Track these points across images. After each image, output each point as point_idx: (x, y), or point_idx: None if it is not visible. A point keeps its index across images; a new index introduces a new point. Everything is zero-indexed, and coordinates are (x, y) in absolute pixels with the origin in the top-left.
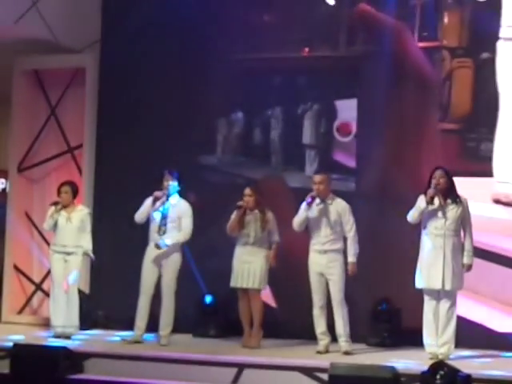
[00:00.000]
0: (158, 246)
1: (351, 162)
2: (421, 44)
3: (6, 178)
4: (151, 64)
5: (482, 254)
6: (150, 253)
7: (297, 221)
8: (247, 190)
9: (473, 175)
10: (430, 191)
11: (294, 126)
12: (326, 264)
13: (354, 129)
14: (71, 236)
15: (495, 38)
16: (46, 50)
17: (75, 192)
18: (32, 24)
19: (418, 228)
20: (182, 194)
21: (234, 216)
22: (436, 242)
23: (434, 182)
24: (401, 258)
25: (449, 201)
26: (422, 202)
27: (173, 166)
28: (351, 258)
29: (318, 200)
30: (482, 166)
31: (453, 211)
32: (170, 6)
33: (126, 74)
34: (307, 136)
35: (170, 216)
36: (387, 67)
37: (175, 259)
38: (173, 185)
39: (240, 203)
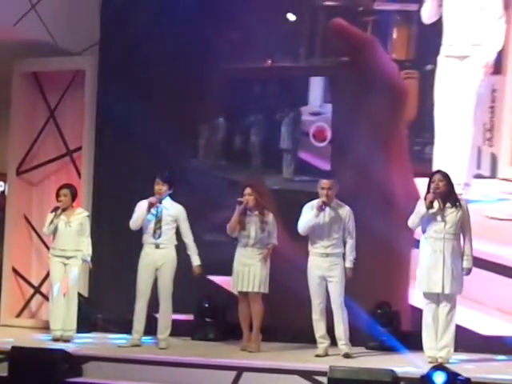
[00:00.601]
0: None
1: (326, 165)
2: None
3: (4, 180)
4: (150, 67)
5: None
6: (146, 256)
7: (305, 226)
8: (247, 189)
9: (419, 176)
10: (429, 196)
11: (272, 131)
12: (328, 267)
13: (329, 134)
14: (70, 240)
15: (438, 52)
16: (45, 52)
17: (74, 195)
18: (31, 26)
19: (389, 225)
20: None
21: (234, 215)
22: (435, 245)
23: (433, 185)
24: (373, 257)
25: (448, 204)
26: (421, 207)
27: (165, 169)
28: (349, 264)
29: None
30: (426, 168)
31: (452, 215)
32: (168, 9)
33: (125, 76)
34: (284, 141)
35: (165, 219)
36: (360, 76)
37: (171, 262)
38: (164, 188)
39: (240, 199)
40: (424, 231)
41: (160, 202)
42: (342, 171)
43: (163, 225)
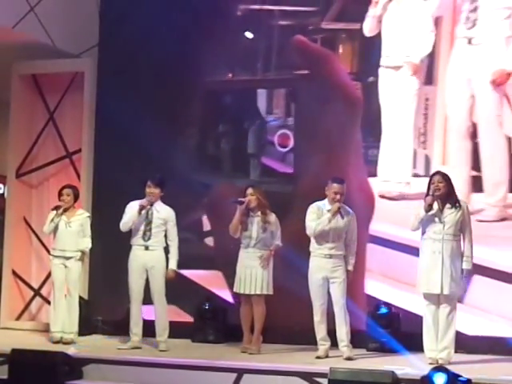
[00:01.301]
0: (172, 273)
1: (289, 169)
2: None
3: (4, 183)
4: (148, 69)
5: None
6: (135, 258)
7: (318, 229)
8: (249, 190)
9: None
10: (428, 199)
11: (241, 138)
12: (331, 268)
13: (291, 141)
14: (70, 240)
15: (378, 65)
16: (44, 54)
17: (77, 196)
18: (30, 29)
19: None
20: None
21: (236, 216)
22: (434, 246)
23: (432, 187)
24: None
25: (448, 205)
26: (420, 209)
27: (157, 172)
28: (350, 267)
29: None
30: (370, 168)
31: (451, 216)
32: (168, 11)
33: (124, 78)
34: (251, 147)
35: (155, 222)
36: (320, 87)
37: (161, 264)
38: (156, 192)
39: (242, 199)
40: (424, 232)
41: (151, 205)
42: (304, 174)
43: (153, 227)
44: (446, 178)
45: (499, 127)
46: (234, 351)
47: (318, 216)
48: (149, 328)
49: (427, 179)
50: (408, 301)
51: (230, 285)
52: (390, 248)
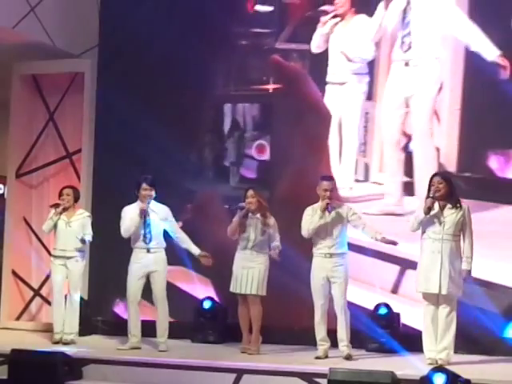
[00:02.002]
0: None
1: (266, 176)
2: None
3: (4, 183)
4: (148, 69)
5: None
6: (138, 261)
7: (311, 228)
8: (250, 192)
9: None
10: (428, 201)
11: (222, 148)
12: (332, 267)
13: (268, 150)
14: (71, 240)
15: (325, 82)
16: (44, 55)
17: (77, 196)
18: (30, 29)
19: None
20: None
21: (235, 218)
22: (434, 246)
23: (433, 188)
24: (297, 255)
25: (448, 206)
26: (420, 211)
27: (148, 174)
28: (380, 236)
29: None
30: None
31: (452, 216)
32: (167, 11)
33: (124, 78)
34: (231, 156)
35: (153, 223)
36: (294, 102)
37: (163, 266)
38: (152, 193)
39: (242, 204)
40: (423, 232)
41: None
42: (279, 181)
43: (152, 229)
44: (445, 179)
45: (430, 139)
46: (233, 351)
47: (312, 217)
48: (147, 328)
49: (367, 184)
50: (363, 297)
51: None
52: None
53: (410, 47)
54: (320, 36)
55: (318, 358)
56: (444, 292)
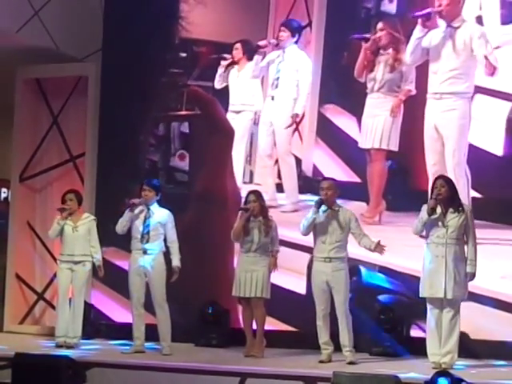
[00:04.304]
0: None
1: (185, 178)
2: None
3: (8, 187)
4: (152, 72)
5: None
6: (134, 262)
7: (304, 224)
8: (251, 196)
9: None
10: (431, 202)
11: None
12: (331, 272)
13: (187, 158)
14: (78, 245)
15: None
16: (48, 58)
17: (80, 200)
18: (34, 33)
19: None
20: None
21: (238, 221)
22: (438, 250)
23: (435, 191)
24: (209, 257)
25: (451, 209)
26: (423, 213)
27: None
28: (373, 246)
29: (324, 207)
30: None
31: (454, 220)
32: (172, 15)
33: (128, 82)
34: (161, 162)
35: (152, 225)
36: (207, 121)
37: (160, 268)
38: (151, 194)
39: (245, 207)
40: (427, 236)
41: (148, 209)
42: (196, 181)
43: (151, 230)
44: (448, 182)
45: (290, 153)
46: (237, 355)
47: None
48: (152, 332)
49: (251, 185)
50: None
51: None
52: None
53: (276, 86)
54: (219, 76)
55: (321, 361)
56: (449, 296)
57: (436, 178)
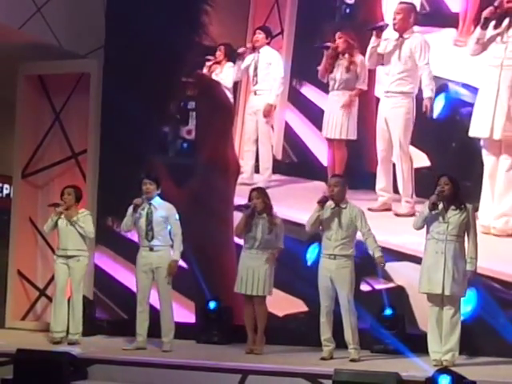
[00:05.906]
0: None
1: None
2: None
3: (10, 183)
4: (154, 69)
5: None
6: (141, 259)
7: (309, 220)
8: (254, 193)
9: None
10: (433, 198)
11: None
12: (335, 269)
13: (194, 132)
14: (72, 240)
15: None
16: (51, 55)
17: (79, 196)
18: (36, 29)
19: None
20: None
21: (241, 217)
22: (437, 246)
23: (438, 188)
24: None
25: (452, 207)
26: (425, 208)
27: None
28: (378, 253)
29: (331, 203)
30: None
31: (455, 217)
32: (173, 12)
33: (130, 79)
34: (171, 135)
35: (155, 220)
36: (211, 101)
37: (166, 264)
38: (152, 188)
39: (248, 204)
40: (428, 232)
41: (150, 204)
42: (200, 151)
43: (154, 226)
44: (452, 180)
45: (268, 141)
46: (238, 352)
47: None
48: (154, 328)
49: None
50: None
51: None
52: None
53: (257, 83)
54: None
55: (323, 358)
56: (447, 293)
57: (441, 175)
